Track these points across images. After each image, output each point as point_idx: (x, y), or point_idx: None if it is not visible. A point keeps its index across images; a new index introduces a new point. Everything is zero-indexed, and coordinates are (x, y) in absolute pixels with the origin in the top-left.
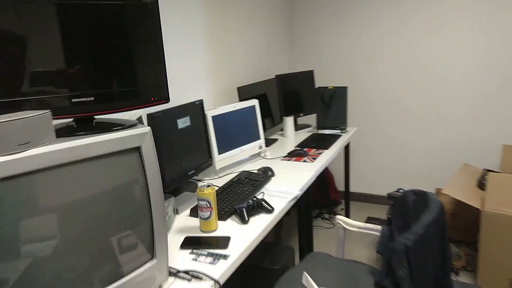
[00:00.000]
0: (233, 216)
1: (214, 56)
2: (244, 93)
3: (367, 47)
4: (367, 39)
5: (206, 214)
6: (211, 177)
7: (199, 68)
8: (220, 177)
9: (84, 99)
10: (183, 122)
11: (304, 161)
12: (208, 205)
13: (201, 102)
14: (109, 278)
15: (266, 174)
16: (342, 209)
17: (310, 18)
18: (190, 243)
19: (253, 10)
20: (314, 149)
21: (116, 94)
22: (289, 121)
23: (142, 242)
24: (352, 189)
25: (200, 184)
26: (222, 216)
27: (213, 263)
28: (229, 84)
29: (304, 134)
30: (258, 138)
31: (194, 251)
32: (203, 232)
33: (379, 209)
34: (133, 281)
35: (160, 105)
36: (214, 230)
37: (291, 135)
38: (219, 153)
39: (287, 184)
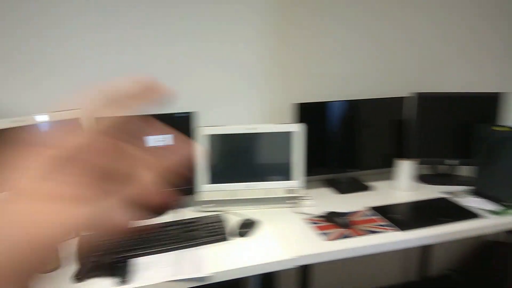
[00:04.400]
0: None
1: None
2: (305, 112)
3: None
4: None
5: None
6: (193, 209)
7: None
8: (202, 211)
9: None
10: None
11: (324, 234)
12: None
13: (189, 115)
14: None
15: (223, 230)
16: None
17: None
18: None
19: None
20: (388, 224)
21: None
22: (404, 167)
23: None
24: None
25: None
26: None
27: None
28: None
29: (437, 193)
30: (292, 178)
31: None
32: None
33: None
34: None
35: None
36: None
37: (405, 189)
38: (212, 181)
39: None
